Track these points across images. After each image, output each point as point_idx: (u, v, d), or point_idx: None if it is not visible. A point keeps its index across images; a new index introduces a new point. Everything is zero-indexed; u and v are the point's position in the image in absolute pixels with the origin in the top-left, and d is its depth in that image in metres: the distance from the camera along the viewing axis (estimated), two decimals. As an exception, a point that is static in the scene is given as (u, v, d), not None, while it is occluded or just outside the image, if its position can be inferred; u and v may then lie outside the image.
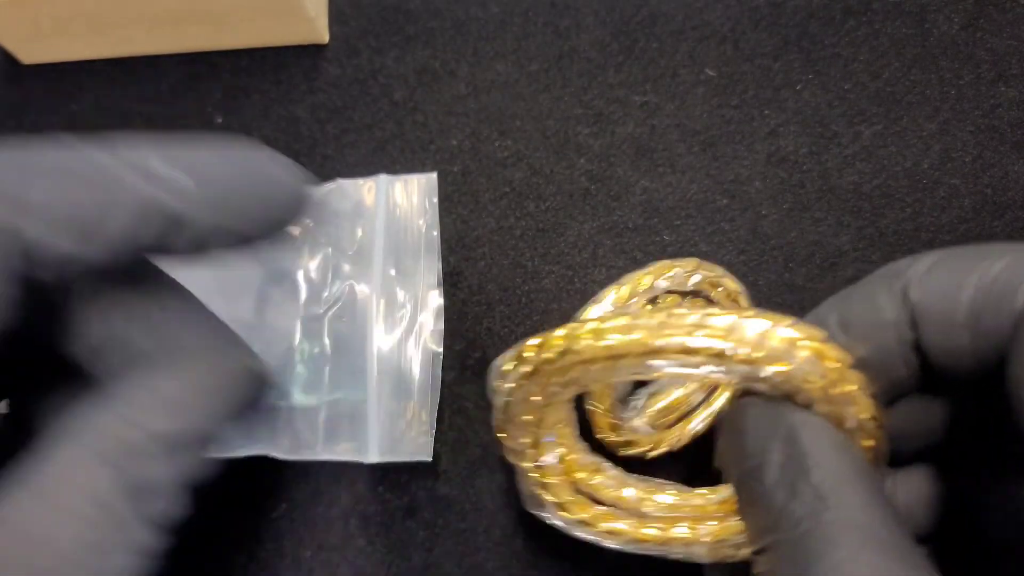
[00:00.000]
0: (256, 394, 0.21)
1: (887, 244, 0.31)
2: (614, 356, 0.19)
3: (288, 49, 0.34)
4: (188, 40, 0.34)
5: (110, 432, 0.18)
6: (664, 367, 0.19)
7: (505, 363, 0.22)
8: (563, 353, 0.20)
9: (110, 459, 0.17)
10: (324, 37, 0.34)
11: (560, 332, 0.20)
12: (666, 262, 0.27)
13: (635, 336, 0.19)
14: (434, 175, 0.27)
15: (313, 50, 0.34)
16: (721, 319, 0.18)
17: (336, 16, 0.35)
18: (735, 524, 0.23)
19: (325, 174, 0.33)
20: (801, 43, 0.33)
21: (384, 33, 0.34)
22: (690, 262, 0.27)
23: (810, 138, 0.32)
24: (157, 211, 0.18)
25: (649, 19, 0.33)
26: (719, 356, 0.18)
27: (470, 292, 0.32)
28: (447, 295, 0.32)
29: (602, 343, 0.19)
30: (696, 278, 0.27)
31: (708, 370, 0.19)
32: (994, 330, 0.17)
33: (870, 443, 0.19)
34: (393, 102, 0.34)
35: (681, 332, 0.18)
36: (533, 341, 0.21)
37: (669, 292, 0.27)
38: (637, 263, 0.32)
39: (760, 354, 0.18)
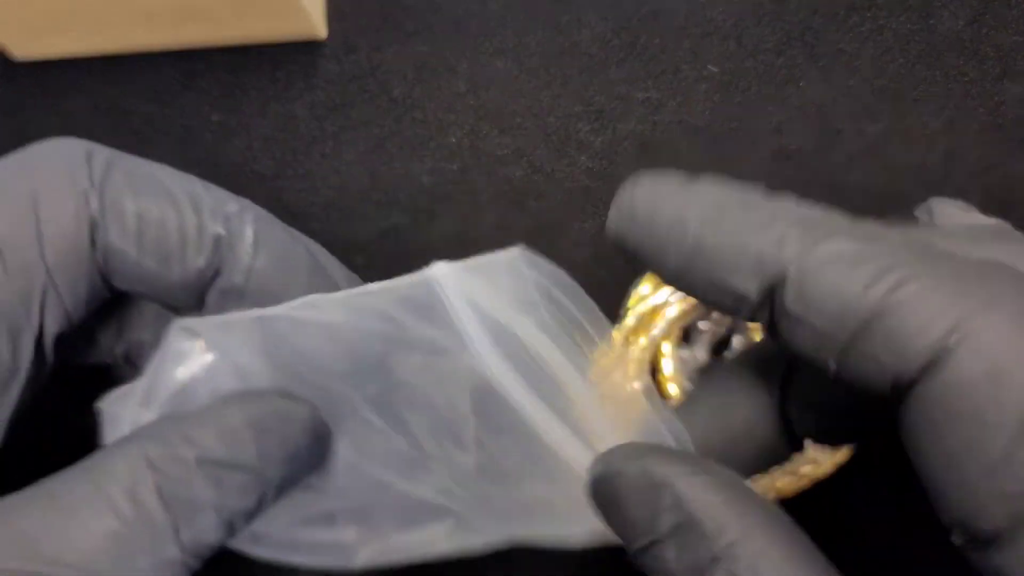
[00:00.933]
0: (315, 449, 0.20)
1: (892, 242, 0.31)
2: None
3: (285, 46, 0.34)
4: (184, 36, 0.34)
5: (163, 440, 0.18)
6: None
7: None
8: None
9: (157, 464, 0.17)
10: (322, 33, 0.34)
11: None
12: None
13: None
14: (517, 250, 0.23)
15: (311, 47, 0.34)
16: None
17: (334, 12, 0.34)
18: None
19: (324, 174, 0.33)
20: (804, 39, 0.32)
21: (382, 29, 0.34)
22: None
23: (814, 135, 0.32)
24: (219, 259, 0.20)
25: (651, 15, 0.33)
26: None
27: (470, 291, 0.32)
28: (447, 294, 0.32)
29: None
30: None
31: None
32: (868, 370, 0.15)
33: None
34: (391, 99, 0.33)
35: None
36: None
37: None
38: (639, 268, 0.31)
39: None
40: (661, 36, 0.33)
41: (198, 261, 0.19)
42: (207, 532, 0.18)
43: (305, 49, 0.34)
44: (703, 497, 0.15)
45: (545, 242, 0.32)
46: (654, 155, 0.32)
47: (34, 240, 0.18)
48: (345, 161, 0.33)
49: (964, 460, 0.13)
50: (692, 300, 0.28)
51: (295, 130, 0.33)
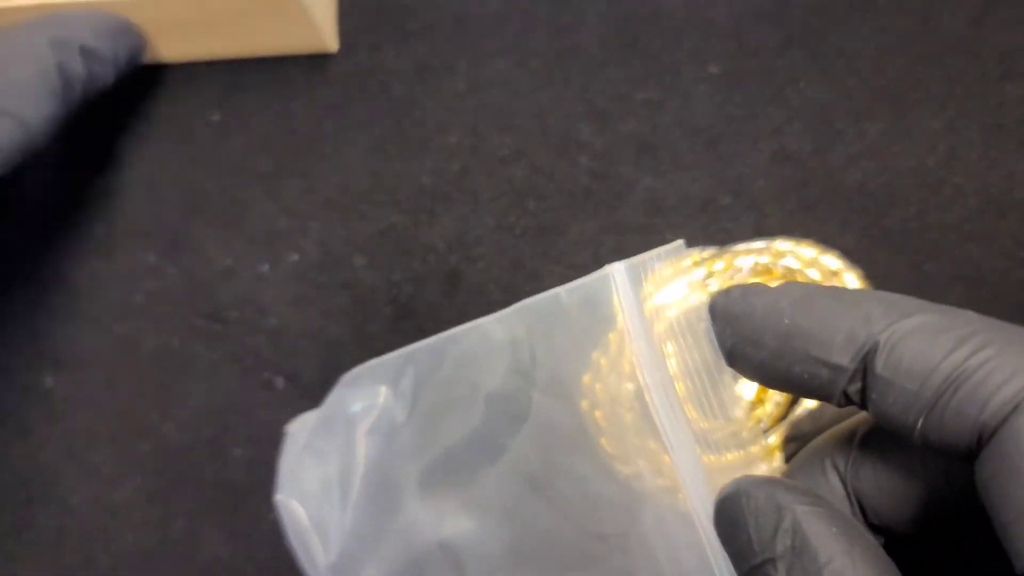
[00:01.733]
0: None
1: (892, 243, 0.31)
2: None
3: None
4: (194, 50, 0.34)
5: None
6: None
7: None
8: None
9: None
10: (333, 47, 0.34)
11: None
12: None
13: None
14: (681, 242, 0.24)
15: (311, 46, 0.34)
16: None
17: (335, 12, 0.34)
18: None
19: (324, 173, 0.33)
20: (805, 39, 0.32)
21: (383, 29, 0.34)
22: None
23: (814, 136, 0.32)
24: None
25: (651, 15, 0.33)
26: None
27: (470, 292, 0.32)
28: (447, 295, 0.32)
29: None
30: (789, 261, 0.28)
31: None
32: (951, 429, 0.16)
33: None
34: (392, 99, 0.33)
35: None
36: None
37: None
38: (639, 262, 0.31)
39: None
40: (661, 36, 0.33)
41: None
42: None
43: (305, 48, 0.34)
44: (818, 526, 0.17)
45: (545, 242, 0.32)
46: (654, 155, 0.32)
47: None
48: (345, 160, 0.33)
49: None
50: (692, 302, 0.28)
51: (295, 129, 0.33)
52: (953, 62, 0.32)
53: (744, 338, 0.20)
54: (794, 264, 0.28)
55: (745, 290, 0.21)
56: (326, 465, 0.25)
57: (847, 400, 0.18)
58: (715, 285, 0.28)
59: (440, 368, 0.24)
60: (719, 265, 0.28)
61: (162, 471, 0.32)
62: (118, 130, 0.34)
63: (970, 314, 0.18)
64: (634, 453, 0.27)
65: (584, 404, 0.29)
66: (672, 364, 0.23)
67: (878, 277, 0.30)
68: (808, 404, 0.28)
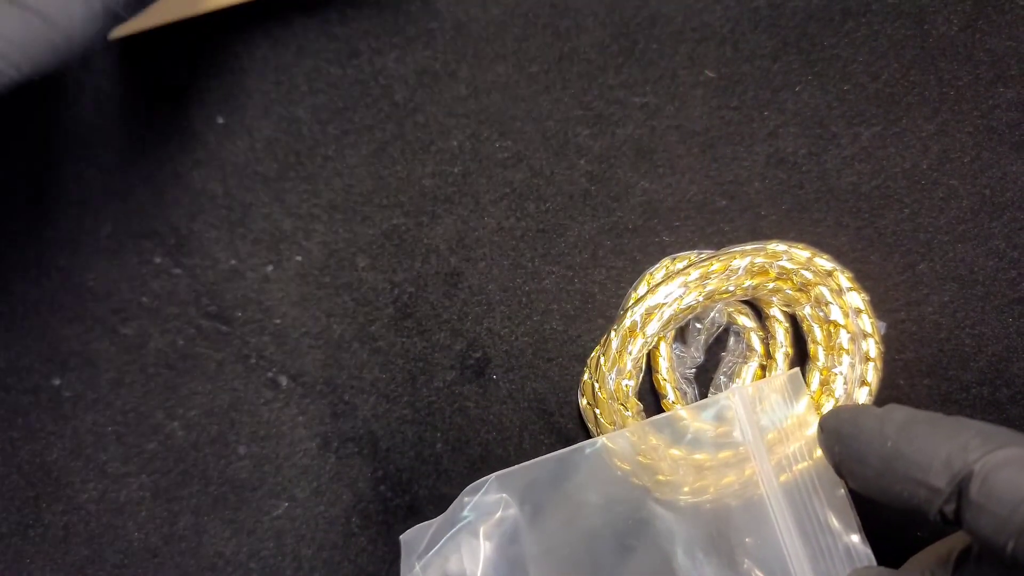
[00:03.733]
0: None
1: (886, 245, 0.31)
2: None
3: (289, 49, 0.34)
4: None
5: None
6: None
7: None
8: None
9: None
10: None
11: None
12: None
13: None
14: (796, 372, 0.28)
15: (314, 50, 0.34)
16: None
17: (338, 17, 0.35)
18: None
19: (327, 176, 0.34)
20: (800, 44, 0.33)
21: (385, 34, 0.34)
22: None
23: (809, 139, 0.32)
24: None
25: (649, 21, 0.33)
26: None
27: (470, 292, 0.32)
28: (447, 296, 0.32)
29: None
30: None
31: None
32: None
33: None
34: (394, 103, 0.34)
35: None
36: None
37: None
38: (637, 264, 0.32)
39: None
40: (658, 42, 0.33)
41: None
42: None
43: (308, 53, 0.34)
44: None
45: (544, 244, 0.32)
46: (651, 159, 0.32)
47: None
48: (348, 164, 0.33)
49: None
50: (686, 302, 0.29)
51: (298, 133, 0.34)
52: (946, 66, 0.32)
53: (851, 455, 0.22)
54: (788, 265, 0.29)
55: (854, 412, 0.23)
56: (448, 564, 0.27)
57: (942, 518, 0.21)
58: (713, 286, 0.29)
59: (565, 479, 0.27)
60: (715, 267, 0.29)
61: (168, 469, 0.32)
62: (124, 133, 0.35)
63: None
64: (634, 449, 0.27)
65: (582, 402, 0.30)
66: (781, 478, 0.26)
67: (872, 277, 0.31)
68: None
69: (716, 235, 0.32)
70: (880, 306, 0.31)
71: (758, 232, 0.32)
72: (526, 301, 0.32)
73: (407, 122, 0.34)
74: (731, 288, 0.29)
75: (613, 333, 0.29)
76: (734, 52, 0.33)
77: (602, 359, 0.29)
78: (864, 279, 0.30)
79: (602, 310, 0.32)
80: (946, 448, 0.20)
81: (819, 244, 0.31)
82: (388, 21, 0.35)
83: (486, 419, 0.31)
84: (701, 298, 0.29)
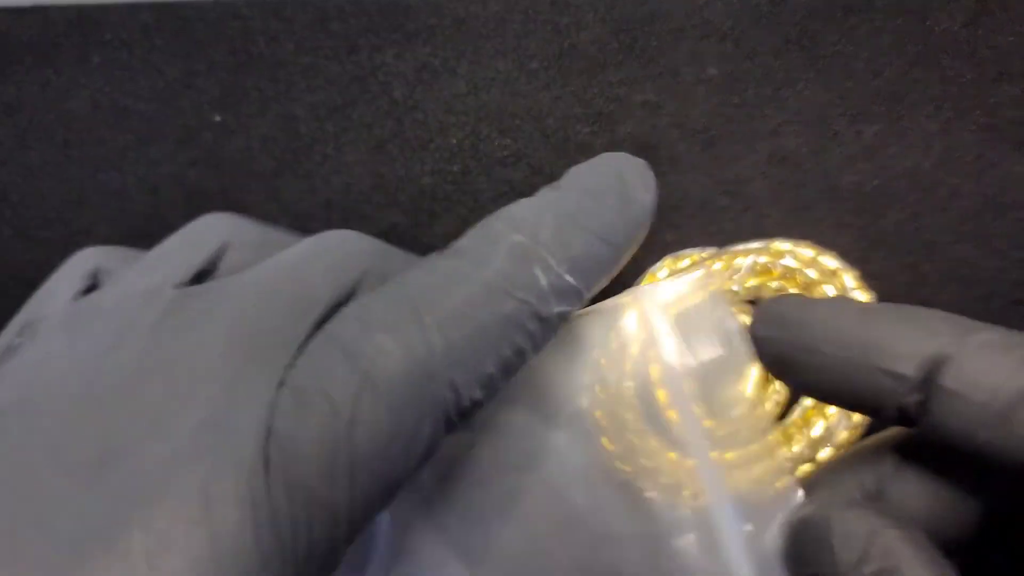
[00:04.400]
0: None
1: (888, 244, 0.31)
2: None
3: (286, 47, 0.34)
4: None
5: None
6: None
7: None
8: None
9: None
10: None
11: None
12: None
13: None
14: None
15: (312, 47, 0.34)
16: None
17: (336, 13, 0.34)
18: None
19: (325, 174, 0.33)
20: (802, 41, 0.33)
21: (383, 30, 0.34)
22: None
23: (811, 137, 0.32)
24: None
25: (649, 17, 0.33)
26: None
27: (470, 292, 0.32)
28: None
29: None
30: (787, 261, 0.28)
31: None
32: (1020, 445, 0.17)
33: None
34: (392, 100, 0.33)
35: None
36: None
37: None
38: (637, 262, 0.32)
39: None
40: (659, 38, 0.33)
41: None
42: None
43: (306, 50, 0.34)
44: (910, 551, 0.17)
45: (544, 243, 0.32)
46: (652, 157, 0.32)
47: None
48: (346, 162, 0.33)
49: None
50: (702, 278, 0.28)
51: (296, 131, 0.34)
52: (949, 64, 0.32)
53: (797, 344, 0.19)
54: (792, 264, 0.29)
55: (802, 298, 0.21)
56: None
57: (900, 415, 0.18)
58: (715, 285, 0.28)
59: None
60: (717, 265, 0.28)
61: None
62: (118, 131, 0.34)
63: None
64: (635, 451, 0.27)
65: (584, 402, 0.29)
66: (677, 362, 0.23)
67: (874, 277, 0.31)
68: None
69: (718, 234, 0.31)
70: (882, 306, 0.31)
71: (760, 231, 0.31)
72: (526, 300, 0.32)
73: (406, 119, 0.33)
74: (735, 288, 0.28)
75: (613, 332, 0.29)
76: (736, 49, 0.33)
77: (603, 360, 0.29)
78: (866, 279, 0.30)
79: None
80: (915, 333, 0.18)
81: (821, 243, 0.31)
82: (387, 17, 0.34)
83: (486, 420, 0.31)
84: (713, 296, 0.28)
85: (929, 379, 0.17)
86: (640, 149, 0.32)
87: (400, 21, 0.34)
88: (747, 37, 0.33)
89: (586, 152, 0.32)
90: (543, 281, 0.20)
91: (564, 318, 0.21)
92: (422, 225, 0.32)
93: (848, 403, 0.19)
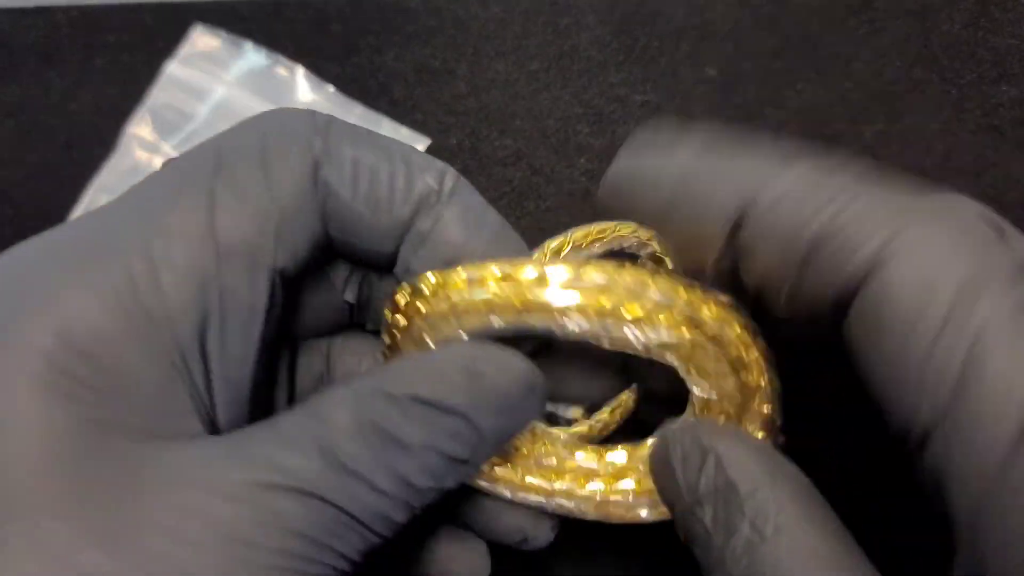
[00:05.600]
0: (529, 403, 0.19)
1: (888, 244, 0.31)
2: (486, 309, 0.18)
3: (288, 47, 0.34)
4: None
5: (375, 381, 0.17)
6: (540, 325, 0.18)
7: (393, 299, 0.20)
8: (435, 296, 0.18)
9: (367, 404, 0.17)
10: None
11: (432, 278, 0.18)
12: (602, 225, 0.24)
13: (506, 290, 0.17)
14: None
15: (313, 48, 0.34)
16: (597, 274, 0.16)
17: (336, 15, 0.34)
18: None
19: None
20: (802, 42, 0.33)
21: (383, 31, 0.34)
22: (626, 226, 0.24)
23: (812, 138, 0.32)
24: (428, 205, 0.20)
25: (650, 17, 0.33)
26: (599, 315, 0.17)
27: (470, 292, 0.32)
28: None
29: (473, 294, 0.18)
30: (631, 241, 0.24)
31: (582, 329, 0.17)
32: (816, 292, 0.15)
33: (767, 410, 0.18)
34: (392, 101, 0.33)
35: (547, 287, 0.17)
36: (409, 284, 0.19)
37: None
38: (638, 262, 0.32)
39: (644, 314, 0.16)
40: (660, 39, 0.33)
41: (404, 210, 0.19)
42: (414, 474, 0.16)
43: (306, 51, 0.34)
44: (741, 462, 0.16)
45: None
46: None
47: (264, 182, 0.18)
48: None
49: (897, 361, 0.14)
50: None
51: (297, 131, 0.34)
52: (948, 64, 0.32)
53: (630, 209, 0.19)
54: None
55: (636, 153, 0.19)
56: None
57: (715, 278, 0.17)
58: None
59: None
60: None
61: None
62: (120, 134, 0.35)
63: (859, 163, 0.17)
64: None
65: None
66: None
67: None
68: None
69: (717, 234, 0.31)
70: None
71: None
72: (526, 301, 0.32)
73: (406, 120, 0.33)
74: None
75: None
76: (736, 50, 0.33)
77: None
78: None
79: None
80: (723, 188, 0.16)
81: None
82: (387, 19, 0.34)
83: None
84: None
85: (732, 235, 0.16)
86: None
87: (400, 23, 0.34)
88: (747, 38, 0.33)
89: (586, 152, 0.32)
90: None
91: None
92: (422, 225, 0.32)
93: (682, 249, 0.18)
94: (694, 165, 0.18)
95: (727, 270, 0.17)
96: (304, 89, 0.34)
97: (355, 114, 0.33)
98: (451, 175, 0.20)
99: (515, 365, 0.17)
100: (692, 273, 0.18)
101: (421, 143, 0.33)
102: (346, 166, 0.19)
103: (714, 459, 0.16)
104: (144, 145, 0.33)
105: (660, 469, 0.18)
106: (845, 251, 0.15)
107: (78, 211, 0.33)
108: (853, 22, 0.33)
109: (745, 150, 0.17)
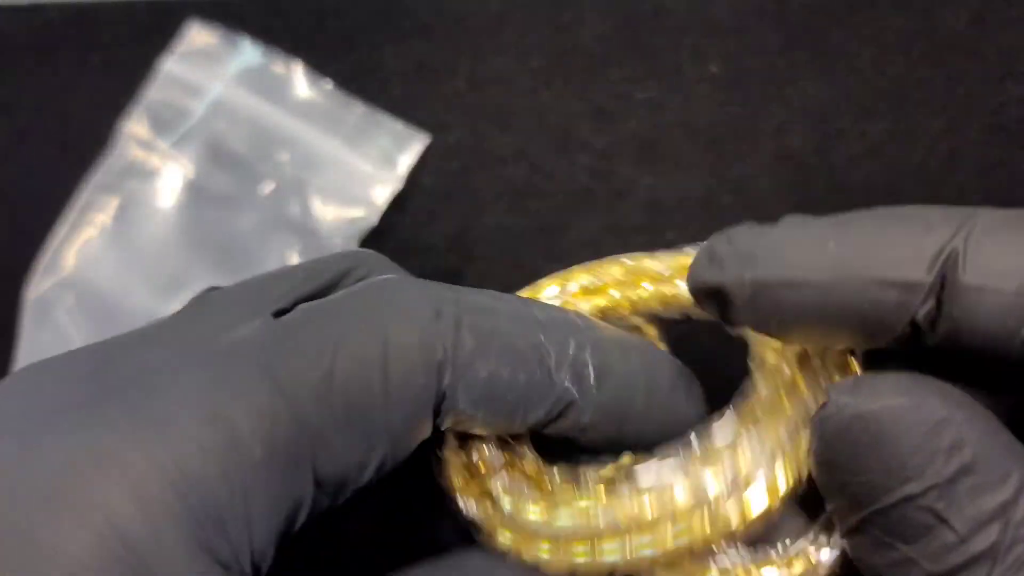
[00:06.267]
0: None
1: (894, 243, 0.31)
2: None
3: (285, 44, 0.34)
4: None
5: None
6: None
7: None
8: None
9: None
10: None
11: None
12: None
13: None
14: None
15: (311, 45, 0.34)
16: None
17: (333, 11, 0.34)
18: None
19: (323, 171, 0.33)
20: (806, 39, 0.32)
21: (382, 28, 0.34)
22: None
23: (816, 135, 0.32)
24: (565, 405, 0.18)
25: (652, 13, 0.33)
26: None
27: (470, 292, 0.32)
28: (447, 295, 0.32)
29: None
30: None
31: None
32: None
33: None
34: (392, 98, 0.33)
35: None
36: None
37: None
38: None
39: None
40: (662, 35, 0.33)
41: (539, 413, 0.18)
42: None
43: (304, 48, 0.34)
44: (987, 439, 0.14)
45: (545, 242, 0.32)
46: (655, 155, 0.32)
47: (382, 406, 0.16)
48: (345, 160, 0.33)
49: None
50: None
51: (294, 129, 0.33)
52: (954, 61, 0.32)
53: (773, 282, 0.16)
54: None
55: (755, 228, 0.18)
56: None
57: (913, 331, 0.15)
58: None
59: None
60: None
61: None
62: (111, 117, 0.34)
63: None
64: None
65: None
66: None
67: (880, 277, 0.30)
68: None
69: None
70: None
71: (763, 230, 0.31)
72: (527, 300, 0.31)
73: (405, 118, 0.33)
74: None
75: None
76: (739, 46, 0.32)
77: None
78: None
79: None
80: (909, 232, 0.15)
81: (826, 242, 0.30)
82: (385, 15, 0.34)
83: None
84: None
85: (945, 279, 0.15)
86: (642, 147, 0.32)
87: (398, 19, 0.34)
88: (751, 34, 0.33)
89: (588, 150, 0.32)
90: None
91: None
92: (421, 224, 0.32)
93: (847, 334, 0.16)
94: (851, 223, 0.16)
95: (926, 320, 0.15)
96: (302, 86, 0.33)
97: (355, 112, 0.33)
98: (587, 351, 0.18)
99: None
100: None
101: (420, 141, 0.32)
102: (478, 390, 0.17)
103: (952, 436, 0.14)
104: (140, 143, 0.33)
105: (867, 443, 0.15)
106: None
107: (74, 210, 0.33)
108: (857, 19, 0.32)
109: (898, 212, 0.16)
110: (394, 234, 0.32)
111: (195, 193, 0.32)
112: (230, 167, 0.32)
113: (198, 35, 0.34)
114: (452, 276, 0.32)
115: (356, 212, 0.32)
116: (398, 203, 0.32)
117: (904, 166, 0.31)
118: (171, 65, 0.34)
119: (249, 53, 0.33)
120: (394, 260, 0.32)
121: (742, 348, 0.30)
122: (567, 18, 0.33)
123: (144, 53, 0.34)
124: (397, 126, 0.32)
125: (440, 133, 0.33)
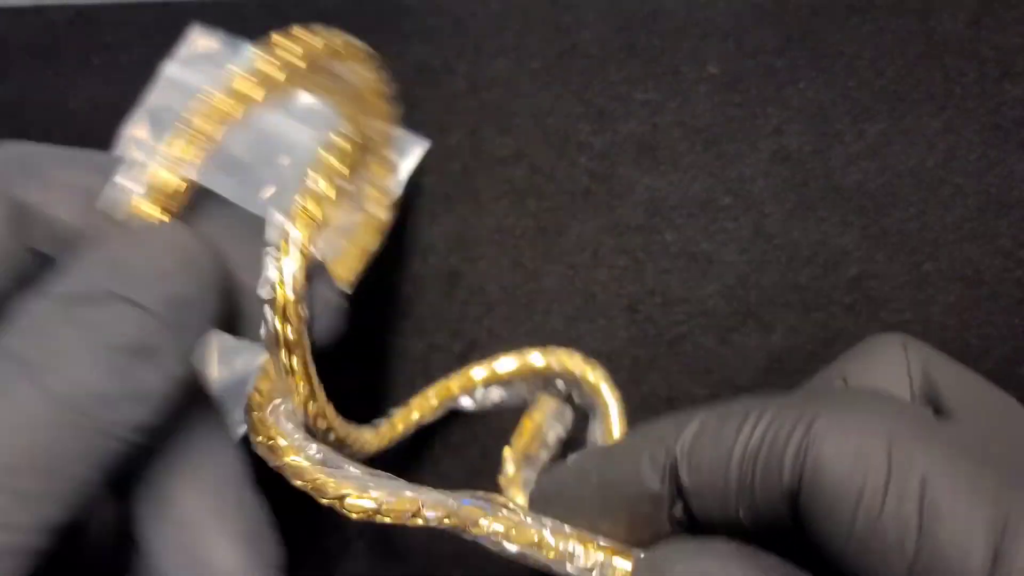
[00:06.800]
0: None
1: (891, 243, 0.31)
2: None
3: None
4: None
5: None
6: None
7: None
8: None
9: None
10: None
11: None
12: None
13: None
14: None
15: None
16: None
17: (334, 12, 0.34)
18: None
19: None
20: (804, 40, 0.32)
21: (382, 30, 0.34)
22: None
23: (814, 136, 0.32)
24: None
25: (651, 15, 0.33)
26: None
27: (470, 292, 0.32)
28: (446, 296, 0.32)
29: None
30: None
31: None
32: (766, 503, 0.16)
33: None
34: (392, 100, 0.33)
35: None
36: None
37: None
38: (639, 262, 0.31)
39: None
40: (661, 37, 0.33)
41: None
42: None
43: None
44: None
45: (545, 242, 0.32)
46: (654, 156, 0.32)
47: None
48: (345, 162, 0.33)
49: (852, 535, 0.15)
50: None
51: (295, 130, 0.34)
52: (952, 62, 0.32)
53: (568, 512, 0.20)
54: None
55: (548, 474, 0.22)
56: None
57: (679, 525, 0.18)
58: None
59: None
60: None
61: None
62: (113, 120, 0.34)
63: (742, 399, 0.18)
64: None
65: None
66: None
67: (877, 277, 0.30)
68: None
69: (719, 233, 0.31)
70: (885, 306, 0.30)
71: (762, 230, 0.31)
72: (526, 301, 0.31)
73: (405, 119, 0.33)
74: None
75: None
76: (737, 48, 0.33)
77: None
78: (869, 279, 0.30)
79: (603, 310, 0.31)
80: (645, 449, 0.18)
81: (824, 242, 0.31)
82: (386, 16, 0.34)
83: (486, 422, 0.30)
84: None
85: (679, 483, 0.18)
86: (641, 148, 0.32)
87: (399, 20, 0.34)
88: (749, 36, 0.33)
89: (587, 151, 0.32)
90: None
91: None
92: (422, 225, 0.32)
93: (642, 531, 0.19)
94: (610, 450, 0.20)
95: (683, 516, 0.18)
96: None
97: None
98: None
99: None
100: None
101: (422, 146, 0.32)
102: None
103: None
104: (141, 147, 0.33)
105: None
106: (774, 463, 0.16)
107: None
108: (855, 20, 0.32)
109: (645, 426, 0.19)
110: (394, 235, 0.32)
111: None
112: (231, 171, 0.32)
113: (200, 40, 0.34)
114: (452, 276, 0.32)
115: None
116: (399, 203, 0.33)
117: (902, 166, 0.31)
118: (173, 70, 0.34)
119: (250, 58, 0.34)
120: (394, 260, 0.32)
121: (742, 348, 0.30)
122: (567, 20, 0.33)
123: (146, 55, 0.35)
124: (399, 132, 0.32)
125: (440, 134, 0.33)
